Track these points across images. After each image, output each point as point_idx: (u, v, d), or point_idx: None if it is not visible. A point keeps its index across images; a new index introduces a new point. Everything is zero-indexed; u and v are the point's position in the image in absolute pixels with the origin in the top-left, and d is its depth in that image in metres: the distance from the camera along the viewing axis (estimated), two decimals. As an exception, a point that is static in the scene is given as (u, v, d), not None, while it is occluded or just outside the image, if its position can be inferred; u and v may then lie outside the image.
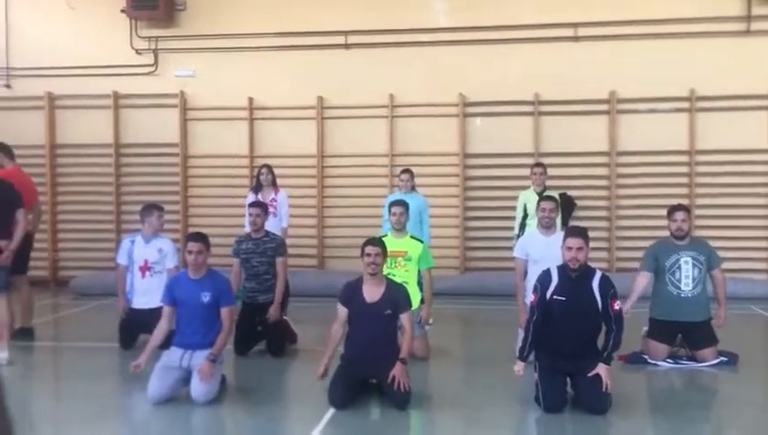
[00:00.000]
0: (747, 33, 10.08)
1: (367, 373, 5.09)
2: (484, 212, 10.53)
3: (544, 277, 5.01)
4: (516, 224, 8.38)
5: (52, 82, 11.25)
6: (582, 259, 4.87)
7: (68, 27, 11.30)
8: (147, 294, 6.59)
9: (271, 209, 8.11)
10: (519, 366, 4.94)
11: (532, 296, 5.02)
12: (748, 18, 10.06)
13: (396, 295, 5.18)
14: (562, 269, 4.95)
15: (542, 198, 6.55)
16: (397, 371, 4.90)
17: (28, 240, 7.16)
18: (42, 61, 11.20)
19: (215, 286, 5.25)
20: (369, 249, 5.12)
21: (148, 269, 6.74)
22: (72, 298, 10.08)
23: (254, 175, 9.05)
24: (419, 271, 6.46)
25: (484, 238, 10.55)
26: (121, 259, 6.87)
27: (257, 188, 8.45)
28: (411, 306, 5.32)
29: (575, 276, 4.88)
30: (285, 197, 8.50)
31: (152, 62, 11.20)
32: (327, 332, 5.28)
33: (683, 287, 6.00)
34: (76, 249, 11.41)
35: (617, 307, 4.85)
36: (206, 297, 5.18)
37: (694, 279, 6.00)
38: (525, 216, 8.18)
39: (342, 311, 5.22)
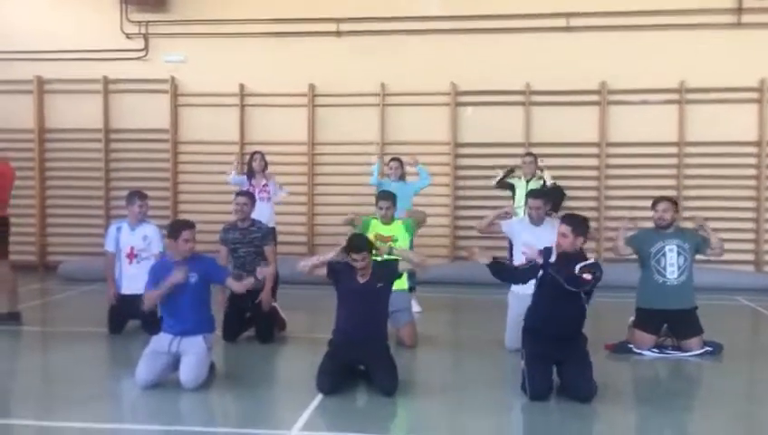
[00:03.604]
0: (738, 25, 10.12)
1: (354, 358, 5.12)
2: (474, 201, 10.55)
3: (547, 251, 5.09)
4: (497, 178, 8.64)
5: (41, 65, 11.16)
6: (565, 245, 4.95)
7: (57, 11, 11.20)
8: (135, 280, 6.54)
9: (264, 195, 8.12)
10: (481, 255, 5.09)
11: (539, 256, 5.04)
12: (739, 11, 10.09)
13: (383, 269, 5.27)
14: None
15: (529, 193, 6.59)
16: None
17: (6, 226, 7.10)
18: (31, 44, 11.11)
19: (201, 267, 5.21)
20: (354, 256, 5.13)
21: (135, 256, 6.74)
22: (60, 283, 10.04)
23: (245, 162, 9.02)
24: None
25: (474, 227, 10.55)
26: (109, 246, 6.86)
27: (249, 174, 8.43)
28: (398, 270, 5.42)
29: (565, 258, 4.95)
30: (274, 181, 8.54)
31: (142, 46, 11.12)
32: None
33: (668, 275, 6.06)
34: (65, 234, 11.36)
35: (585, 276, 4.79)
36: (193, 278, 5.12)
37: (679, 267, 6.06)
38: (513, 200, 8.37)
39: (324, 271, 5.28)
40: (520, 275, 5.28)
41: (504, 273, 5.31)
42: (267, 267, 5.39)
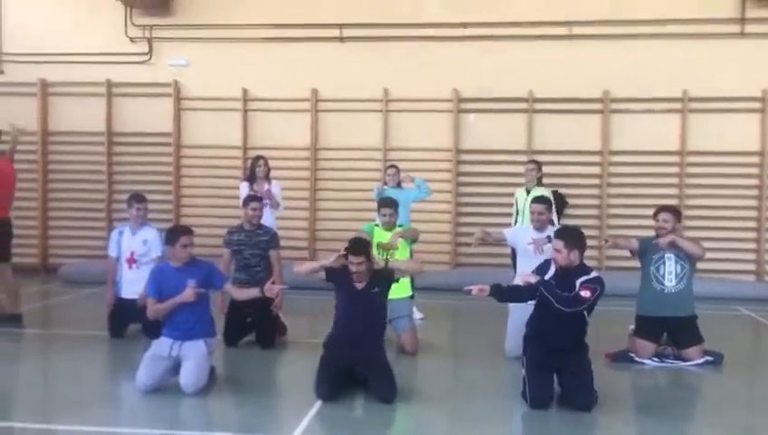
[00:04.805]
0: (741, 35, 10.14)
1: (349, 360, 5.09)
2: (476, 208, 10.56)
3: (543, 265, 5.14)
4: (513, 221, 8.46)
5: (45, 68, 11.20)
6: (561, 260, 4.93)
7: (62, 13, 11.24)
8: (135, 283, 6.57)
9: (266, 201, 8.11)
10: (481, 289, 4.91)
11: (533, 278, 5.01)
12: (742, 20, 10.11)
13: (380, 275, 5.22)
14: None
15: (533, 199, 6.58)
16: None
17: (8, 227, 7.13)
18: (35, 47, 11.15)
19: (200, 272, 5.22)
20: (351, 259, 5.10)
21: (135, 262, 6.77)
22: (62, 286, 10.05)
23: (248, 167, 9.00)
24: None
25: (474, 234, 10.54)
26: (112, 251, 6.90)
27: (251, 178, 8.40)
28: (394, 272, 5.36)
29: (563, 273, 4.95)
30: (279, 189, 8.50)
31: (146, 50, 11.16)
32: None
33: (666, 283, 6.08)
34: (66, 237, 11.37)
35: (583, 294, 4.77)
36: (192, 283, 5.12)
37: (677, 275, 6.08)
38: (517, 212, 8.25)
39: (322, 274, 5.28)
40: (522, 294, 5.15)
41: (508, 296, 5.23)
42: (278, 286, 5.39)
